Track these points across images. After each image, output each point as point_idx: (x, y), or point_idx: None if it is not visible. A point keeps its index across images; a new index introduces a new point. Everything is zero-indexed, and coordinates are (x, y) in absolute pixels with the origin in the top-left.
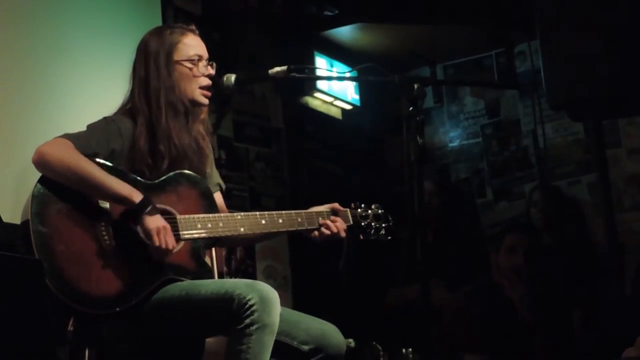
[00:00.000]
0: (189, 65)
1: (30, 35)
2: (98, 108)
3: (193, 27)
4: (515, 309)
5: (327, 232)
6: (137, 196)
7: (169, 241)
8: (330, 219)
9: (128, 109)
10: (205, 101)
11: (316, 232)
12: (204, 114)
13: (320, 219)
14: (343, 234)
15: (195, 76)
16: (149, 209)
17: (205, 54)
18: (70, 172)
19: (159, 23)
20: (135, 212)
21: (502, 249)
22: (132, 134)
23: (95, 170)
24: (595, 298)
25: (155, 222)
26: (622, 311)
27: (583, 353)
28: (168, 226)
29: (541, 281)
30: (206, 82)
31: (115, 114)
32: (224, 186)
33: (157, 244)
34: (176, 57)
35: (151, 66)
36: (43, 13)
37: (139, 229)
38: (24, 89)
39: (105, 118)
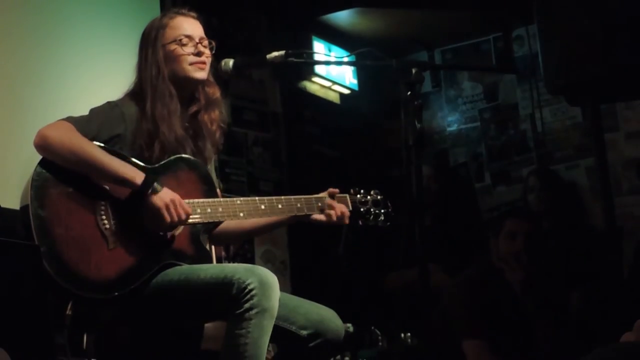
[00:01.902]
0: (174, 46)
1: (30, 19)
2: (100, 91)
3: (184, 10)
4: (514, 293)
5: (333, 214)
6: (139, 177)
7: (181, 212)
8: (336, 206)
9: (133, 93)
10: (198, 74)
11: (322, 216)
12: (215, 94)
13: (319, 203)
14: (347, 221)
15: (180, 55)
16: (152, 188)
17: (197, 34)
18: (72, 154)
19: (157, 8)
20: (139, 194)
21: (501, 234)
22: (137, 117)
23: (97, 152)
24: (593, 281)
25: (161, 199)
26: (620, 294)
27: (581, 337)
28: (176, 197)
29: (541, 266)
30: (194, 59)
31: (121, 98)
32: (221, 186)
33: (168, 220)
34: (163, 41)
35: (142, 55)
36: None
37: (144, 209)
38: (25, 74)
39: (108, 102)
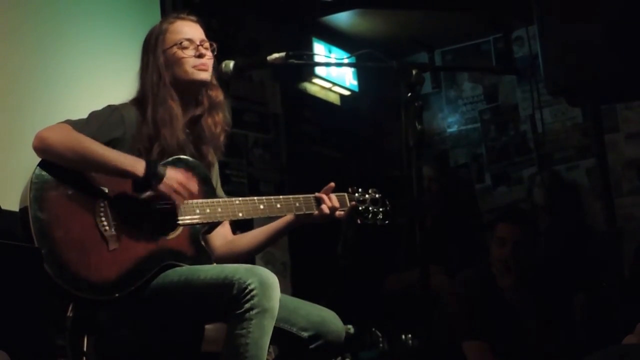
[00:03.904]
0: (175, 49)
1: (29, 21)
2: (100, 94)
3: (183, 14)
4: (505, 297)
5: (325, 210)
6: (140, 165)
7: (190, 188)
8: (325, 199)
9: (135, 100)
10: (202, 75)
11: (316, 211)
12: (218, 97)
13: (317, 202)
14: (341, 213)
15: (182, 58)
16: (156, 176)
17: (198, 37)
18: (72, 152)
19: (158, 10)
20: (143, 184)
21: (493, 238)
22: (137, 122)
23: (96, 146)
24: (595, 283)
25: (168, 183)
26: (621, 296)
27: (583, 340)
28: (181, 176)
29: (531, 271)
30: (198, 61)
31: (123, 103)
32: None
33: (182, 200)
34: (163, 46)
35: (143, 62)
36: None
37: (153, 197)
38: (25, 76)
39: (109, 106)
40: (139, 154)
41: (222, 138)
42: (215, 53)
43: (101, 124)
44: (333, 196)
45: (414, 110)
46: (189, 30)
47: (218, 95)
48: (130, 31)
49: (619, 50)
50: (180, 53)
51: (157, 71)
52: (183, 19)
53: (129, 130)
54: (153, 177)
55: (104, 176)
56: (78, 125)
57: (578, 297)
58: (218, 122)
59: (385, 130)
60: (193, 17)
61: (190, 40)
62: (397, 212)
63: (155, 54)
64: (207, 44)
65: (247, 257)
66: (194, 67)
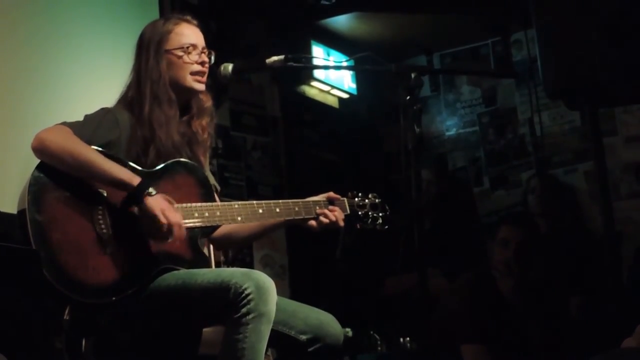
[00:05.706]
0: (179, 53)
1: (29, 23)
2: (97, 96)
3: (188, 17)
4: (506, 299)
5: (325, 221)
6: (136, 180)
7: (177, 217)
8: (329, 209)
9: (126, 100)
10: (198, 86)
11: (314, 222)
12: (207, 102)
13: (317, 208)
14: (341, 223)
15: (185, 63)
16: (148, 190)
17: (200, 43)
18: (70, 157)
19: (156, 12)
20: (135, 196)
21: (496, 240)
22: (130, 124)
23: (94, 155)
24: (593, 286)
25: (157, 202)
26: (620, 300)
27: (581, 343)
28: (170, 204)
29: (533, 273)
30: (197, 68)
31: (115, 105)
32: (218, 188)
33: (164, 222)
34: (167, 46)
35: (142, 57)
36: (42, 1)
37: (140, 212)
38: (23, 78)
39: (103, 109)
40: (136, 156)
41: (208, 143)
42: (213, 62)
43: (96, 127)
44: (337, 211)
45: (412, 113)
46: (194, 35)
47: (207, 101)
48: (128, 33)
49: (618, 54)
50: (185, 57)
51: (157, 70)
52: (188, 21)
53: (124, 133)
54: (146, 189)
55: None
56: (75, 128)
57: (576, 299)
58: (205, 128)
59: (384, 133)
60: (196, 22)
61: (194, 46)
62: (395, 215)
63: (158, 53)
64: (206, 51)
65: (241, 245)
66: (193, 75)
